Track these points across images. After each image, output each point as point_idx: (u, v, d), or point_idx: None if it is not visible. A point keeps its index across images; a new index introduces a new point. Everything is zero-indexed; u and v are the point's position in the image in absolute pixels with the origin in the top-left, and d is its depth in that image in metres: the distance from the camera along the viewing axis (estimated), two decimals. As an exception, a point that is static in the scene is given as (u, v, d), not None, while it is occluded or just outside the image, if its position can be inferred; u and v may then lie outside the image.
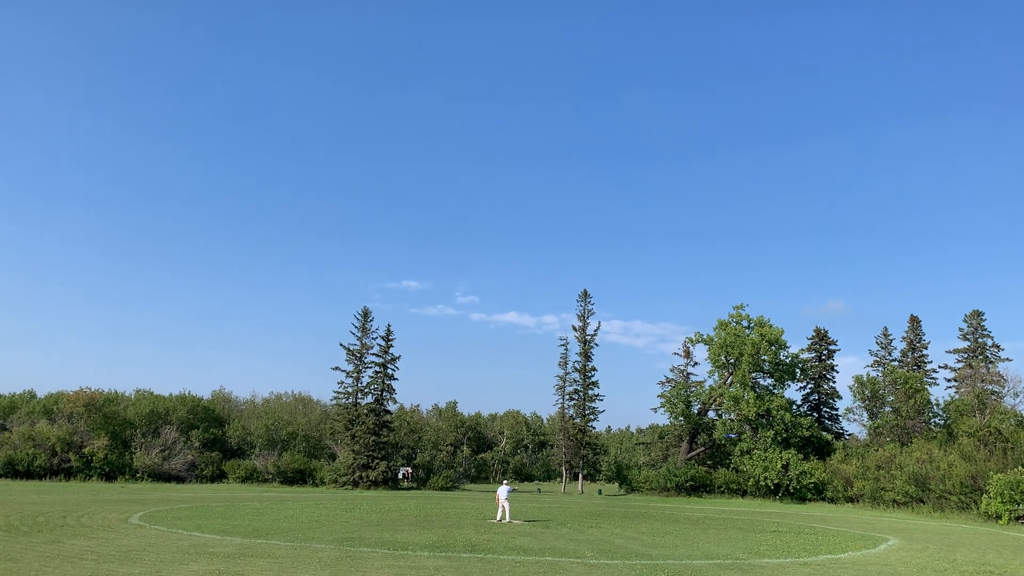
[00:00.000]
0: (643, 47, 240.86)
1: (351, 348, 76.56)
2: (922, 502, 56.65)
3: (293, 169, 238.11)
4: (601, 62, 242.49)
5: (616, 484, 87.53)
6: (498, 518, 35.33)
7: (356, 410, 75.04)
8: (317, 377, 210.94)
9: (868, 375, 74.52)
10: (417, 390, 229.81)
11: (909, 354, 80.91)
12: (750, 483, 69.80)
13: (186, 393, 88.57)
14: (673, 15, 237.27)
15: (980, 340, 77.11)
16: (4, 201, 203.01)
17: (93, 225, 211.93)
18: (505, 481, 39.16)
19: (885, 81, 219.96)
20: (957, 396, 71.81)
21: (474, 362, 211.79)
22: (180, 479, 73.50)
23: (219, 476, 75.97)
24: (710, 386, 79.15)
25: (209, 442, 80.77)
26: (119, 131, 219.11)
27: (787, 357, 75.42)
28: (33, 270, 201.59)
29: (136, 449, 73.78)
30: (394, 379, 76.35)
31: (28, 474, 69.63)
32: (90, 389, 78.30)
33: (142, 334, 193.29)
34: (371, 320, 77.56)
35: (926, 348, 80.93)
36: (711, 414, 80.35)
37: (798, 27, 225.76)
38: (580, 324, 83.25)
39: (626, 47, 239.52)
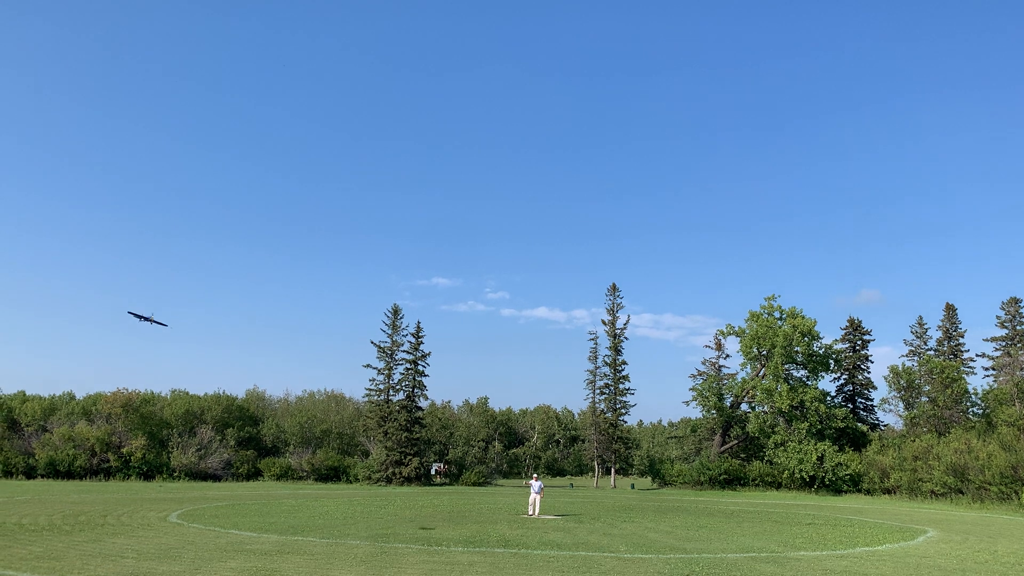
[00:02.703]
0: (667, 31, 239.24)
1: (382, 345, 77.02)
2: (961, 493, 55.78)
3: (323, 166, 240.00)
4: (626, 49, 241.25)
5: (649, 478, 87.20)
6: (530, 512, 35.46)
7: (388, 407, 75.48)
8: (349, 375, 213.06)
9: (904, 365, 73.58)
10: (448, 386, 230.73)
11: (945, 343, 79.67)
12: (785, 476, 69.20)
13: (221, 392, 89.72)
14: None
15: (1018, 327, 75.68)
16: (40, 207, 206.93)
17: (127, 228, 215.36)
18: (535, 476, 39.19)
19: (916, 62, 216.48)
20: (995, 385, 70.58)
21: (505, 358, 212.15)
22: (216, 477, 74.49)
23: (254, 474, 76.86)
24: (742, 378, 78.55)
25: (244, 441, 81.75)
26: (151, 132, 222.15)
27: (820, 348, 74.62)
28: (69, 275, 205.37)
29: (173, 448, 74.90)
30: (425, 376, 76.72)
31: (69, 474, 71.03)
32: (127, 390, 79.66)
33: (176, 335, 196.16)
34: (401, 317, 77.92)
35: (962, 336, 79.68)
36: (744, 407, 79.78)
37: (825, 3, 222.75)
38: (610, 318, 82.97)
39: (649, 32, 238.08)
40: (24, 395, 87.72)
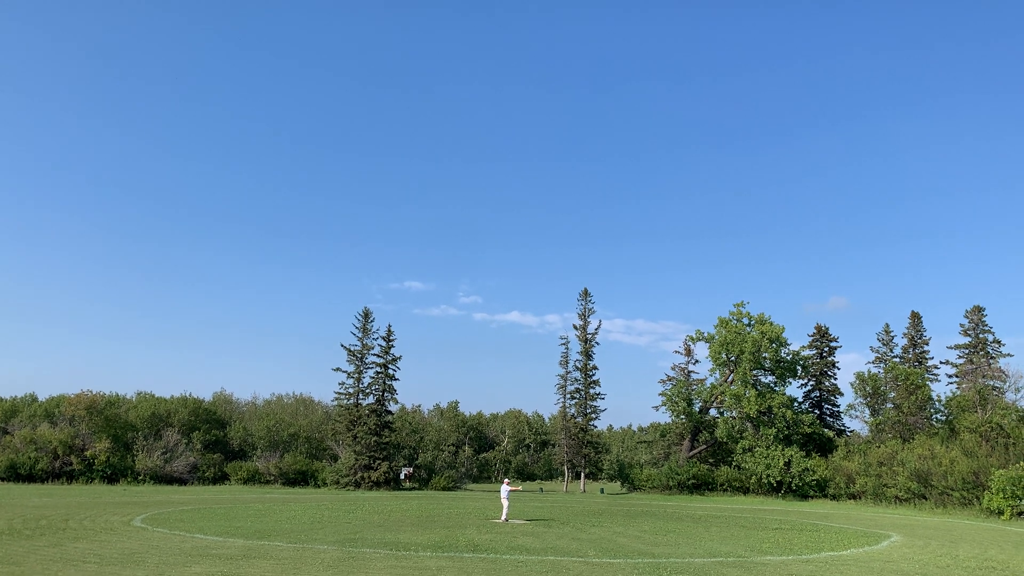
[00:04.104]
0: (641, 41, 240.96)
1: (352, 349, 76.55)
2: (924, 498, 56.65)
3: (294, 169, 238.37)
4: (600, 56, 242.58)
5: (618, 483, 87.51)
6: (503, 518, 35.29)
7: (357, 411, 75.01)
8: (318, 378, 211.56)
9: (870, 372, 74.56)
10: (419, 390, 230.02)
11: (910, 350, 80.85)
12: (752, 481, 69.81)
13: (187, 395, 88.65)
14: (671, 8, 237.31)
15: (981, 336, 77.01)
16: (3, 205, 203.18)
17: (93, 227, 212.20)
18: (506, 480, 39.14)
19: (885, 74, 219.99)
20: (958, 392, 71.76)
21: (476, 362, 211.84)
22: (182, 481, 73.50)
23: (221, 478, 75.96)
24: (711, 384, 79.15)
25: (211, 444, 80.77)
26: (116, 132, 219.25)
27: (788, 354, 75.41)
28: (33, 273, 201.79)
29: (138, 451, 73.77)
30: (395, 379, 76.40)
31: (30, 477, 69.69)
32: (91, 392, 78.35)
33: (142, 336, 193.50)
34: (372, 321, 77.54)
35: (927, 344, 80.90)
36: (713, 412, 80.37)
37: (797, 20, 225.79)
38: (581, 323, 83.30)
39: (625, 41, 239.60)
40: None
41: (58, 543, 22.74)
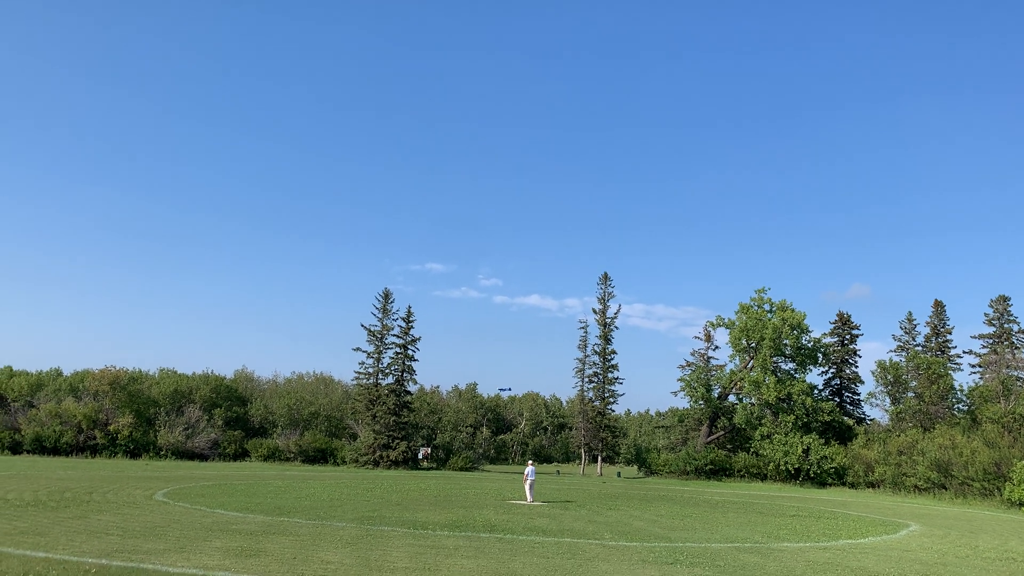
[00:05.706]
0: (668, 23, 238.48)
1: (372, 329, 76.90)
2: (944, 488, 56.26)
3: (318, 148, 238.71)
4: (615, 38, 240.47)
5: (635, 467, 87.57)
6: (530, 500, 35.29)
7: (377, 390, 75.46)
8: (339, 357, 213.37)
9: (891, 360, 73.93)
10: (439, 372, 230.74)
11: (933, 339, 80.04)
12: (770, 467, 69.59)
13: (209, 372, 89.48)
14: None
15: (1005, 326, 76.08)
16: (31, 181, 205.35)
17: (118, 203, 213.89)
18: (530, 461, 39.15)
19: (912, 61, 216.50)
20: (981, 382, 71.06)
21: (495, 344, 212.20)
22: (203, 457, 74.40)
23: (241, 454, 76.80)
24: (731, 370, 78.80)
25: (232, 421, 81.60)
26: (143, 111, 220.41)
27: (809, 341, 74.86)
28: (59, 249, 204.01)
29: (160, 427, 74.74)
30: (415, 360, 76.72)
31: (55, 450, 70.87)
32: (115, 367, 79.29)
33: (166, 313, 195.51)
34: (392, 301, 77.80)
35: (950, 333, 79.99)
36: (731, 398, 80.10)
37: (828, 1, 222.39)
38: (600, 307, 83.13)
39: (651, 23, 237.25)
40: (11, 370, 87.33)
41: (82, 515, 23.12)
